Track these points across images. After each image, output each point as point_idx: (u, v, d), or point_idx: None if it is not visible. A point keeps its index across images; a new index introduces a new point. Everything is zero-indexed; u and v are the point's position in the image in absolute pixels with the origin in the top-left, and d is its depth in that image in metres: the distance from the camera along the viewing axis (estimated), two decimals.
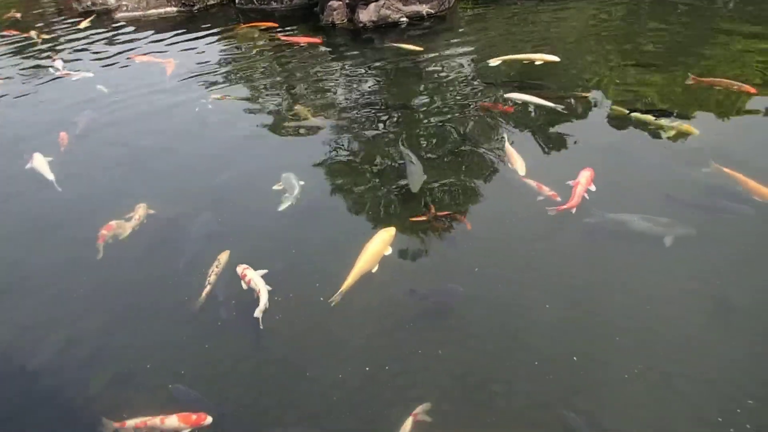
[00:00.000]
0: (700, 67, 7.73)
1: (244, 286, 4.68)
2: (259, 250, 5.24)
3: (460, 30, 10.25)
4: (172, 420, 3.75)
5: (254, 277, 4.67)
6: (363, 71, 8.79)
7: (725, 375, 3.86)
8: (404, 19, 10.13)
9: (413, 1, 10.13)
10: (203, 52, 10.10)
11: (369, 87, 8.27)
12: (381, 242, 4.99)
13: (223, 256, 5.06)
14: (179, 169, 6.84)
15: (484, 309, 4.49)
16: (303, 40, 9.66)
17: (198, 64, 9.52)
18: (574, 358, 4.02)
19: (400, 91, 8.13)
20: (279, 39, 9.91)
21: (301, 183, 5.87)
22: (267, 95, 8.37)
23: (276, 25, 10.45)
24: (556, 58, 8.11)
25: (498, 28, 9.98)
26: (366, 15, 9.99)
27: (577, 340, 4.16)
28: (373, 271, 4.80)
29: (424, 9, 10.21)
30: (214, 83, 8.75)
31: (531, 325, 4.32)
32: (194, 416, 3.75)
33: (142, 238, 5.54)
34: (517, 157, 5.89)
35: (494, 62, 8.32)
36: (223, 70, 9.23)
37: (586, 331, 4.23)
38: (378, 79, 8.52)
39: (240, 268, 4.81)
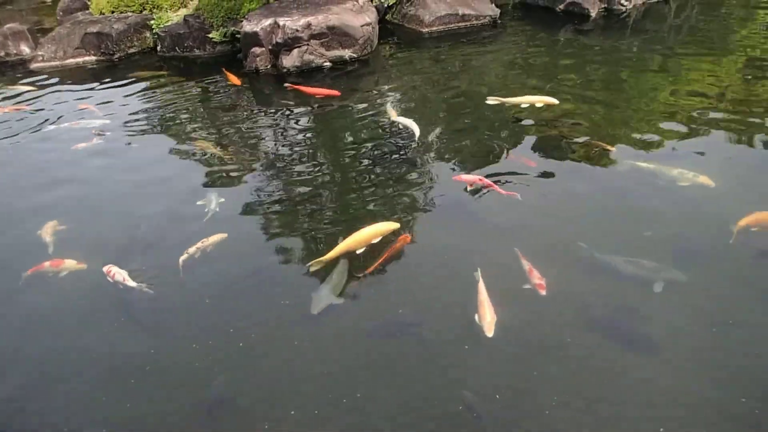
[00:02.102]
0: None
1: (110, 280, 5.21)
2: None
3: (385, 72, 10.48)
4: None
5: (117, 272, 5.24)
6: (288, 115, 8.84)
7: (646, 400, 4.00)
8: (327, 63, 10.29)
9: (335, 46, 10.31)
10: (124, 97, 9.94)
11: (295, 130, 8.31)
12: (376, 231, 5.47)
13: (217, 237, 5.65)
14: (96, 200, 6.93)
15: (412, 347, 4.51)
16: (321, 92, 9.29)
17: (122, 107, 9.37)
18: (497, 396, 4.08)
19: (328, 134, 8.21)
20: (295, 89, 9.48)
21: (222, 200, 6.40)
22: (185, 136, 8.30)
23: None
24: (555, 101, 8.03)
25: (423, 69, 10.25)
26: (289, 60, 10.09)
27: (503, 373, 4.24)
28: (358, 252, 5.33)
29: (347, 53, 10.40)
30: (133, 125, 8.65)
31: (459, 362, 4.37)
32: None
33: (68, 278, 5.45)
34: (487, 308, 4.61)
35: (492, 101, 8.25)
36: (143, 115, 9.10)
37: (511, 365, 4.31)
38: (304, 122, 8.58)
39: (106, 268, 5.30)
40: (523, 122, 7.93)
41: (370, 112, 8.58)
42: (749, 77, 9.06)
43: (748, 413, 3.87)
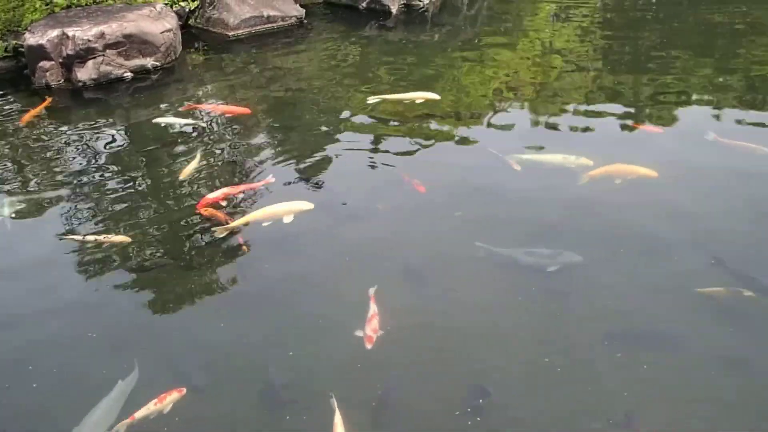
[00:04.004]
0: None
1: None
2: None
3: (194, 79, 10.15)
4: None
5: None
6: (90, 130, 8.23)
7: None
8: (128, 74, 9.71)
9: (135, 54, 9.76)
10: None
11: (99, 146, 7.75)
12: (288, 208, 5.71)
13: (120, 238, 5.48)
14: None
15: (243, 347, 4.43)
16: (230, 110, 8.33)
17: None
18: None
19: (136, 147, 7.76)
20: (196, 109, 8.53)
21: (17, 208, 6.16)
22: None
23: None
24: (436, 96, 8.11)
25: (235, 74, 10.09)
26: (84, 73, 9.40)
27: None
28: (264, 225, 5.56)
29: (149, 62, 9.90)
30: None
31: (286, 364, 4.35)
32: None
33: None
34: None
35: (372, 100, 8.19)
36: None
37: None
38: (109, 137, 8.03)
39: None
40: (354, 120, 8.10)
41: (184, 122, 8.22)
42: (543, 62, 10.03)
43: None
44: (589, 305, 4.86)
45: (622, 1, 13.39)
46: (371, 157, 7.18)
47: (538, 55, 10.44)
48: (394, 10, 12.33)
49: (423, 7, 12.61)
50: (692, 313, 4.73)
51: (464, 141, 7.58)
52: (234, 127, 8.12)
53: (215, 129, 8.13)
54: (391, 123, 8.03)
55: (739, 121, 7.85)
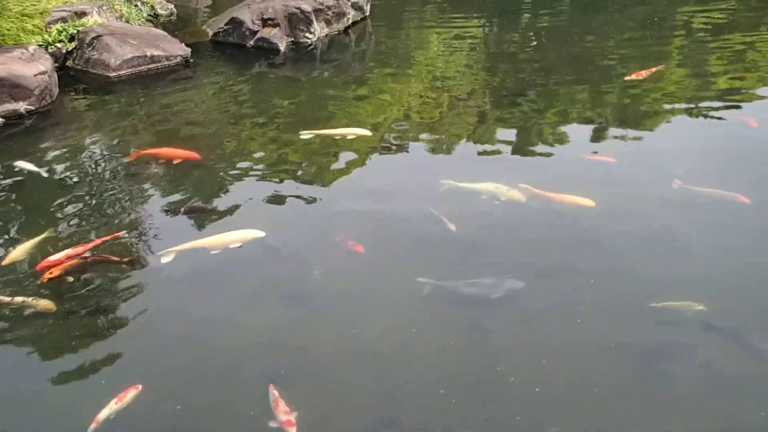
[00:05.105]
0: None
1: None
2: None
3: (73, 122, 9.64)
4: None
5: None
6: None
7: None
8: None
9: (5, 99, 9.16)
10: None
11: None
12: (238, 236, 5.73)
13: (45, 303, 5.17)
14: None
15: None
16: (178, 154, 7.73)
17: None
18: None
19: (10, 200, 7.19)
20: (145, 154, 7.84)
21: None
22: None
23: None
24: (368, 133, 8.17)
25: (120, 114, 9.68)
26: None
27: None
28: (212, 252, 5.57)
29: (22, 106, 9.32)
30: None
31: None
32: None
33: None
34: None
35: (306, 135, 8.16)
36: None
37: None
38: None
39: None
40: (248, 159, 7.97)
41: (62, 166, 7.80)
42: (437, 94, 10.28)
43: None
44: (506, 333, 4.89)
45: (503, 35, 14.04)
46: (274, 195, 7.05)
47: (431, 87, 10.70)
48: (282, 48, 12.33)
49: (311, 45, 12.69)
50: (608, 335, 4.90)
51: (377, 174, 7.66)
52: (119, 170, 7.73)
53: (96, 173, 7.70)
54: (289, 162, 7.92)
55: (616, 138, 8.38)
